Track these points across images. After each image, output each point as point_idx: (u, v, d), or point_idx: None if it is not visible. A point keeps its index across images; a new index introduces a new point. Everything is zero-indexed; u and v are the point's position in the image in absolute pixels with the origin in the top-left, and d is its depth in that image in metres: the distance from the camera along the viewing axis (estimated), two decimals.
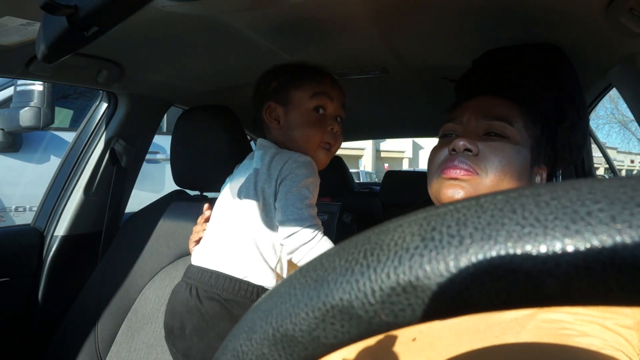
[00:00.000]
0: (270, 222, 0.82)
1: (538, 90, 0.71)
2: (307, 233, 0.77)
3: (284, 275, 0.84)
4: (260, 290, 0.81)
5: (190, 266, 0.88)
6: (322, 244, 0.78)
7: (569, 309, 0.48)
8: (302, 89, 0.88)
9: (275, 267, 0.83)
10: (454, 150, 0.64)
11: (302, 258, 0.78)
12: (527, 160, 0.65)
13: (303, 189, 0.80)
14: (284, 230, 0.79)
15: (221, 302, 0.81)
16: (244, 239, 0.83)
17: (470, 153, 0.63)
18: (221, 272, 0.83)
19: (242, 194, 0.86)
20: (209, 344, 0.81)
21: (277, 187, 0.82)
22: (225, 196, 0.92)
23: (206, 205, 0.95)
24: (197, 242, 0.94)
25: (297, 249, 0.78)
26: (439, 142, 0.70)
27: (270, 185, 0.82)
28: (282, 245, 0.81)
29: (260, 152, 0.88)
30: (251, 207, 0.83)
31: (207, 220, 0.94)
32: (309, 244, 0.77)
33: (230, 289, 0.81)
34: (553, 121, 0.70)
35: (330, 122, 0.89)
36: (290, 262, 0.85)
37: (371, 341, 0.54)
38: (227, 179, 0.99)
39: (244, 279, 0.81)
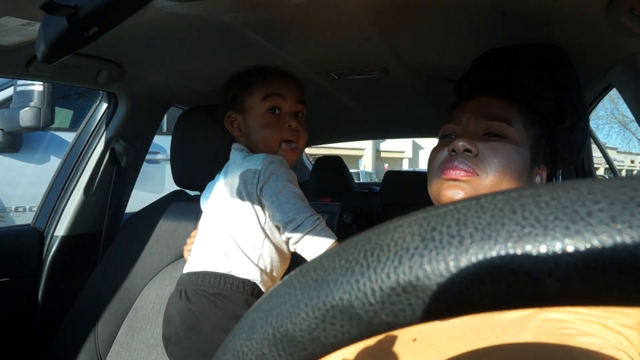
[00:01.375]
0: (249, 221, 0.85)
1: (538, 90, 0.71)
2: (309, 223, 0.80)
3: (268, 270, 0.86)
4: (246, 283, 0.84)
5: (182, 275, 0.92)
6: (324, 231, 0.81)
7: (569, 309, 0.48)
8: (253, 93, 0.92)
9: (258, 262, 0.85)
10: (453, 151, 0.64)
11: (306, 247, 0.81)
12: (527, 160, 0.65)
13: (289, 185, 0.83)
14: (288, 227, 0.81)
15: (208, 297, 0.84)
16: (224, 238, 0.86)
17: (470, 154, 0.63)
18: (207, 271, 0.86)
19: (221, 197, 0.90)
20: (203, 338, 0.83)
21: (258, 189, 0.84)
22: (209, 202, 0.96)
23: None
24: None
25: (300, 239, 0.80)
26: (439, 143, 0.70)
27: (247, 186, 0.85)
28: (287, 239, 0.84)
29: (232, 154, 0.92)
30: (229, 208, 0.87)
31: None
32: (312, 231, 0.80)
33: (216, 284, 0.84)
34: (553, 121, 0.70)
35: (286, 119, 0.91)
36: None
37: (371, 341, 0.54)
38: (208, 185, 1.03)
39: (229, 273, 0.84)
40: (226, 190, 0.89)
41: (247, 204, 0.85)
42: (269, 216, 0.85)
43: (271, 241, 0.86)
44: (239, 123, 0.93)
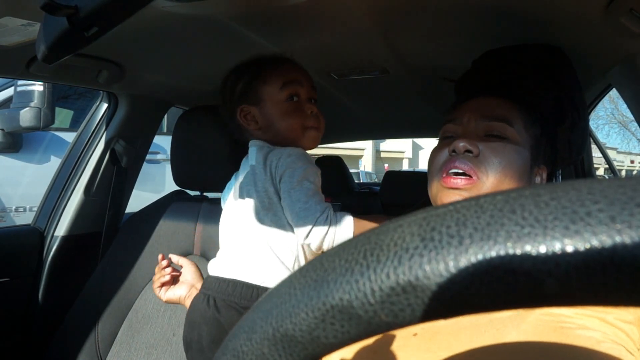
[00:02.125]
0: (279, 221, 0.81)
1: (537, 91, 0.71)
2: (322, 223, 0.76)
3: None
4: None
5: (208, 277, 0.87)
6: (341, 226, 0.77)
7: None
8: (269, 82, 0.87)
9: (293, 267, 0.81)
10: (454, 151, 0.64)
11: (331, 245, 0.77)
12: (527, 160, 0.65)
13: (304, 182, 0.79)
14: (301, 231, 0.77)
15: (239, 310, 0.79)
16: (258, 243, 0.81)
17: (470, 154, 0.63)
18: (238, 280, 0.81)
19: (245, 197, 0.85)
20: None
21: (277, 185, 0.80)
22: (230, 203, 0.91)
23: (160, 256, 0.95)
24: (161, 286, 0.93)
25: (322, 242, 0.76)
26: (439, 144, 0.70)
27: (270, 184, 0.81)
28: (306, 245, 0.79)
29: (254, 150, 0.87)
30: (257, 209, 0.82)
31: (164, 268, 0.93)
32: (330, 232, 0.76)
33: (248, 296, 0.80)
34: (553, 121, 0.70)
35: (307, 105, 0.88)
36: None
37: (372, 337, 0.54)
38: (228, 185, 0.98)
39: (262, 285, 0.80)
40: (251, 190, 0.84)
41: (276, 202, 0.81)
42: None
43: None
44: (255, 116, 0.88)
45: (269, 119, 0.87)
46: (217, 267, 0.87)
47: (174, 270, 0.96)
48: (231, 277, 0.82)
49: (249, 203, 0.84)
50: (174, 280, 0.95)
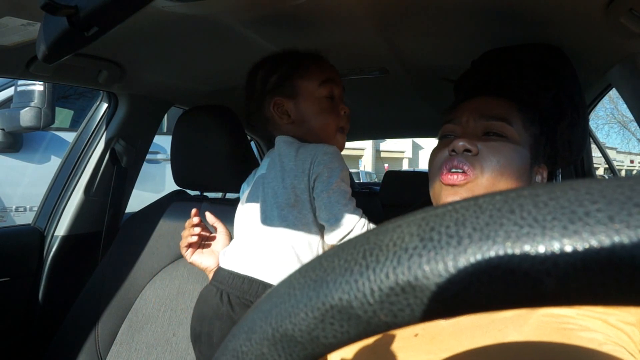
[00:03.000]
0: (303, 219, 0.79)
1: (536, 89, 0.71)
2: (359, 229, 0.75)
3: None
4: None
5: (220, 269, 0.84)
6: None
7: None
8: (308, 78, 0.85)
9: None
10: (453, 150, 0.64)
11: None
12: (527, 159, 0.65)
13: (342, 184, 0.78)
14: (336, 232, 0.75)
15: None
16: (278, 241, 0.79)
17: (469, 153, 0.63)
18: (255, 278, 0.79)
19: (269, 191, 0.82)
20: None
21: (310, 182, 0.79)
22: (251, 196, 0.88)
23: (194, 211, 0.89)
24: (187, 247, 0.89)
25: None
26: (439, 143, 0.70)
27: (301, 180, 0.79)
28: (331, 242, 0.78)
29: (282, 147, 0.84)
30: (282, 205, 0.80)
31: (195, 225, 0.89)
32: None
33: None
34: (552, 120, 0.70)
35: (341, 106, 0.87)
36: None
37: (372, 337, 0.54)
38: (249, 178, 0.96)
39: None
40: (276, 185, 0.81)
41: (303, 200, 0.79)
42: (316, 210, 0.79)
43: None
44: (289, 109, 0.86)
45: (303, 115, 0.85)
46: (230, 261, 0.83)
47: (205, 229, 0.91)
48: (247, 273, 0.79)
49: (273, 198, 0.81)
50: (203, 244, 0.91)
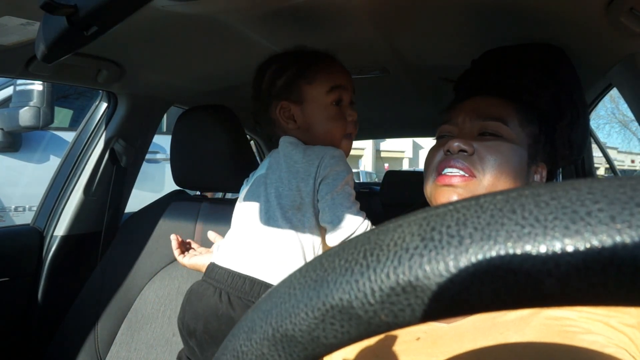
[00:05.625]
0: (307, 222, 0.78)
1: (535, 88, 0.71)
2: (361, 231, 0.75)
3: None
4: None
5: (216, 267, 0.82)
6: None
7: (573, 307, 0.48)
8: (315, 84, 0.83)
9: None
10: (448, 151, 0.64)
11: None
12: (524, 158, 0.65)
13: (346, 187, 0.78)
14: (338, 233, 0.75)
15: None
16: (281, 242, 0.78)
17: (465, 153, 0.63)
18: (256, 279, 0.77)
19: (272, 192, 0.81)
20: None
21: (316, 185, 0.78)
22: (251, 196, 0.87)
23: (173, 236, 0.98)
24: (181, 252, 0.97)
25: None
26: (435, 144, 0.70)
27: (307, 183, 0.79)
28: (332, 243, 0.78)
29: (288, 148, 0.83)
30: (286, 207, 0.79)
31: (180, 242, 0.98)
32: None
33: None
34: (551, 119, 0.70)
35: (348, 112, 0.86)
36: None
37: (374, 340, 0.54)
38: (250, 177, 0.95)
39: None
40: (280, 187, 0.81)
41: (307, 202, 0.79)
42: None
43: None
44: (295, 114, 0.84)
45: (309, 121, 0.85)
46: (227, 259, 0.82)
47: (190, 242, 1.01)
48: (247, 273, 0.78)
49: (276, 200, 0.80)
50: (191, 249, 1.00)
